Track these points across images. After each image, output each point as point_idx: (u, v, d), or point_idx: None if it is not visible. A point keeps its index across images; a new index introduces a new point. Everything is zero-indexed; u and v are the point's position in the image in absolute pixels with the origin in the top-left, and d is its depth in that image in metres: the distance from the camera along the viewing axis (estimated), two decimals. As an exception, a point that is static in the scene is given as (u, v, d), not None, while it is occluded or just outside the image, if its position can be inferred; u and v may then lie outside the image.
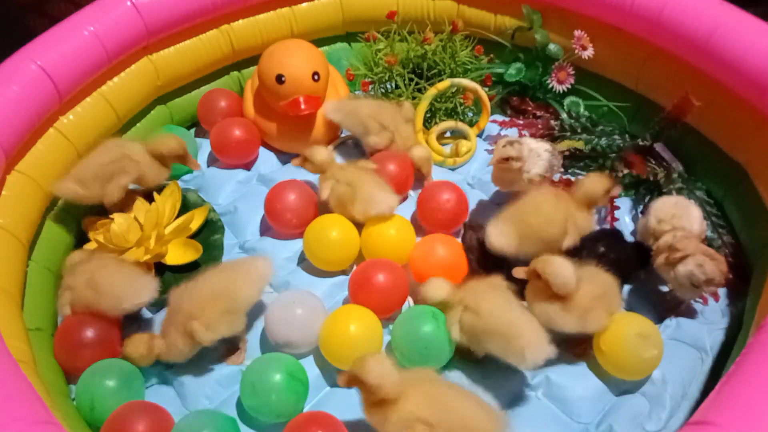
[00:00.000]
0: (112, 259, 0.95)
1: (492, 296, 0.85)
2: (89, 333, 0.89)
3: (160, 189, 1.08)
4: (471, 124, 1.24)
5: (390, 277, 0.94)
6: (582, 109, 1.22)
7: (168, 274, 1.01)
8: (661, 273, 0.94)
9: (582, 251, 0.94)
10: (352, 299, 0.96)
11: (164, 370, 0.92)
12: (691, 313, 0.97)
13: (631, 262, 0.97)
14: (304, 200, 1.07)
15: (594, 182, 0.97)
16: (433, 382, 0.78)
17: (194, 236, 1.06)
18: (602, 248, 0.94)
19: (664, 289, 0.98)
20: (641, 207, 1.10)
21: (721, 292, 0.99)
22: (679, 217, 0.93)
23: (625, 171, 1.10)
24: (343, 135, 1.27)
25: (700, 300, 0.97)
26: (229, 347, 0.93)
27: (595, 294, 0.86)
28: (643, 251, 0.97)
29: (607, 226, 1.07)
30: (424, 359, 0.87)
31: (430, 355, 0.88)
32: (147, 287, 0.90)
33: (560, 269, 0.84)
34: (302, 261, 1.05)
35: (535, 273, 0.86)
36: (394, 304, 0.95)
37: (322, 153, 1.06)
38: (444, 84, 1.19)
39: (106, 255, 0.97)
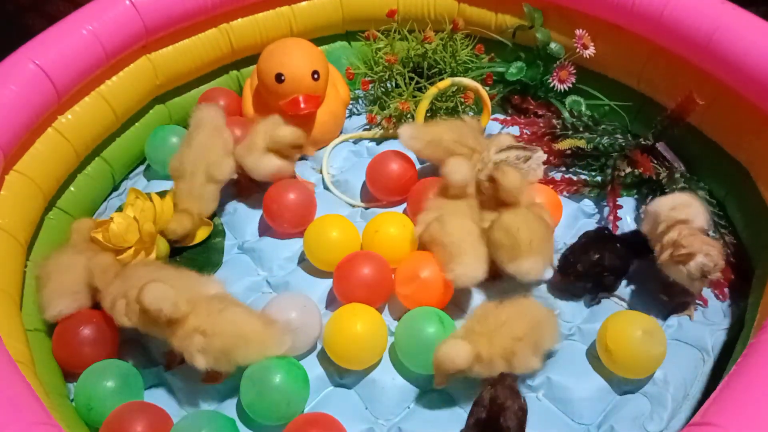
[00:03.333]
0: (81, 265, 0.93)
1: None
2: (88, 331, 0.90)
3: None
4: (471, 124, 1.24)
5: (372, 269, 0.93)
6: (584, 108, 1.21)
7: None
8: (666, 270, 0.93)
9: (576, 264, 0.95)
10: (336, 292, 0.95)
11: (163, 371, 0.92)
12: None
13: (627, 259, 0.97)
14: (303, 199, 1.06)
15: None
16: (219, 300, 0.85)
17: (194, 238, 1.06)
18: (595, 256, 0.94)
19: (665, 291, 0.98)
20: (643, 207, 1.10)
21: (723, 292, 0.99)
22: (687, 206, 0.93)
23: (628, 170, 1.10)
24: (342, 135, 1.26)
25: (701, 302, 0.97)
26: (210, 373, 0.87)
27: (516, 335, 0.83)
28: (639, 242, 0.97)
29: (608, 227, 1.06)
30: (428, 362, 0.87)
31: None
32: (66, 305, 0.91)
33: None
34: (302, 261, 1.05)
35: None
36: (378, 295, 0.94)
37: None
38: (445, 83, 1.18)
39: (83, 257, 0.94)
